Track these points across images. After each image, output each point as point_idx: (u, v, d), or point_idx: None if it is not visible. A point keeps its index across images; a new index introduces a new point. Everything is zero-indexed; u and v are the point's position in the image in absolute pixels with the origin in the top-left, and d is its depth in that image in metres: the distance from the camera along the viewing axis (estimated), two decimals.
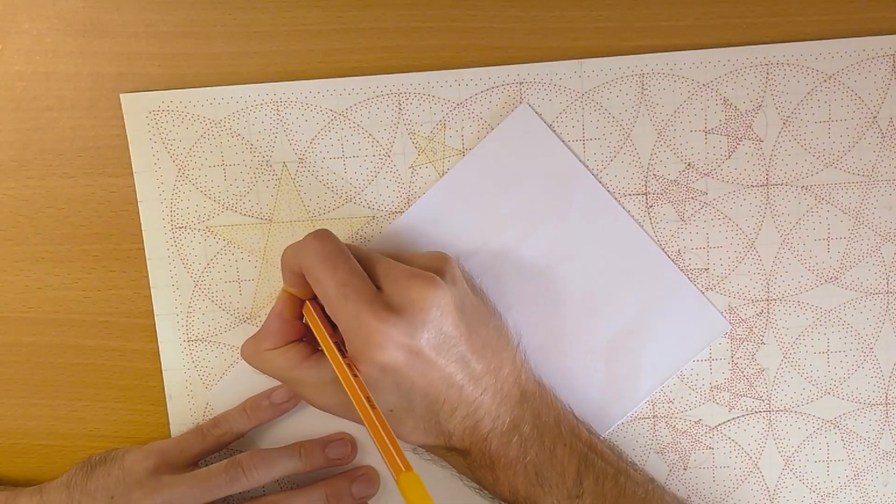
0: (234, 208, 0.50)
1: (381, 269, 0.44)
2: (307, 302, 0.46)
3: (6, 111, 0.50)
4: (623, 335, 0.51)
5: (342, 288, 0.42)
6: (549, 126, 0.49)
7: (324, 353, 0.45)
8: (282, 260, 0.46)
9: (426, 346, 0.42)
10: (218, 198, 0.50)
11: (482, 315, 0.46)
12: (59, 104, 0.49)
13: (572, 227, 0.50)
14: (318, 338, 0.45)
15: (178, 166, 0.49)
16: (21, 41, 0.49)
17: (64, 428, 0.53)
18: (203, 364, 0.51)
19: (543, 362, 0.50)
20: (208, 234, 0.50)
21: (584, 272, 0.50)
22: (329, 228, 0.46)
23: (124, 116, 0.49)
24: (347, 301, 0.42)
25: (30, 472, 0.53)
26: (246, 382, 0.51)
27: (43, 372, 0.52)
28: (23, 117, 0.50)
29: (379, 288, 0.43)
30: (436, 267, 0.44)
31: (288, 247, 0.45)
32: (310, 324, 0.46)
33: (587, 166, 0.50)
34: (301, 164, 0.50)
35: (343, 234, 0.50)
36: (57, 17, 0.49)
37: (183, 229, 0.50)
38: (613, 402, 0.51)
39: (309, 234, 0.45)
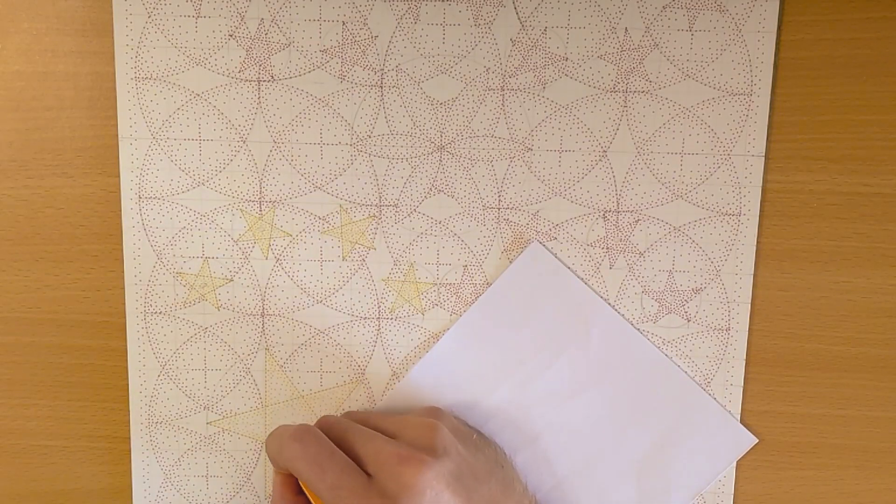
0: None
1: (371, 452, 0.44)
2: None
3: (6, 111, 0.49)
4: (651, 455, 0.51)
5: (334, 490, 0.43)
6: (561, 260, 0.50)
7: None
8: (267, 453, 0.47)
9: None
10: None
11: (481, 473, 0.46)
12: (58, 104, 0.49)
13: (592, 356, 0.51)
14: None
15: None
16: (21, 41, 0.49)
17: (64, 428, 0.53)
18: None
19: (576, 486, 0.51)
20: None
21: (608, 397, 0.51)
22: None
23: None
24: (342, 502, 0.43)
25: (30, 473, 0.53)
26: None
27: (42, 372, 0.52)
28: (22, 117, 0.50)
29: (369, 473, 0.43)
30: (426, 439, 0.45)
31: (270, 440, 0.46)
32: (311, 499, 0.46)
33: (603, 297, 0.50)
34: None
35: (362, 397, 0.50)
36: (56, 16, 0.49)
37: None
38: None
39: (290, 437, 0.45)
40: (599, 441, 0.51)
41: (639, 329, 0.51)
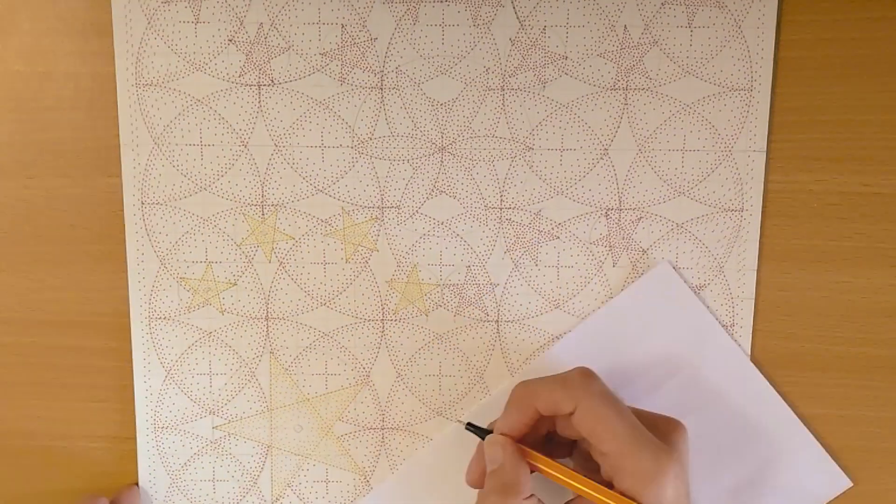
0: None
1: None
2: (532, 452, 0.45)
3: (6, 111, 0.49)
4: (745, 486, 0.51)
5: (635, 430, 0.42)
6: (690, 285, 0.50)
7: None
8: (517, 394, 0.45)
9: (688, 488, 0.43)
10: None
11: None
12: (58, 104, 0.49)
13: (702, 382, 0.50)
14: (575, 483, 0.44)
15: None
16: (21, 41, 0.49)
17: (64, 428, 0.53)
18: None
19: None
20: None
21: (711, 424, 0.50)
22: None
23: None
24: (643, 444, 0.42)
25: (29, 473, 0.53)
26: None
27: (43, 373, 0.52)
28: (23, 117, 0.50)
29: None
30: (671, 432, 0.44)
31: (528, 382, 0.45)
32: (556, 473, 0.44)
33: (723, 325, 0.50)
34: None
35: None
36: (56, 17, 0.49)
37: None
38: None
39: (575, 371, 0.44)
40: (697, 466, 0.50)
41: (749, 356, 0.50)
